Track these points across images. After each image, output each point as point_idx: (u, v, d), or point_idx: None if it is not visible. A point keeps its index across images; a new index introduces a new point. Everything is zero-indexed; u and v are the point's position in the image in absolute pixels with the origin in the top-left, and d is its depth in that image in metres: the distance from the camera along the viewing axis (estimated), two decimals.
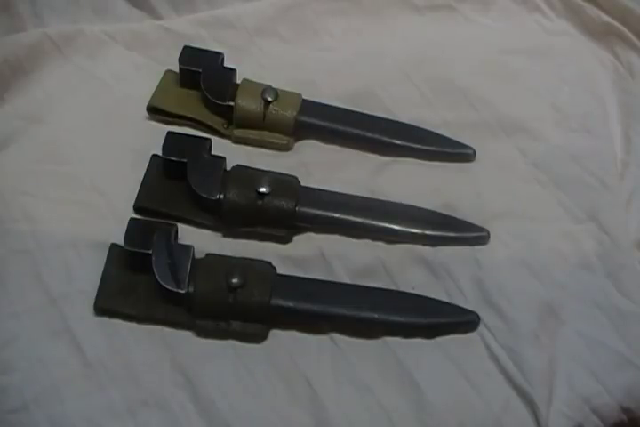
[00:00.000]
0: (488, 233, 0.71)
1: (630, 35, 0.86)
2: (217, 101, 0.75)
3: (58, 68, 0.78)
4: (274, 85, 0.76)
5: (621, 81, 0.84)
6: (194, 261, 0.64)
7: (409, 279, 0.68)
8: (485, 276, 0.68)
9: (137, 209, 0.70)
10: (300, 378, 0.63)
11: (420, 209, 0.72)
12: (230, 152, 0.73)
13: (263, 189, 0.68)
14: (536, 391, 0.62)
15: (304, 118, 0.75)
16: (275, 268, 0.66)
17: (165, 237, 0.65)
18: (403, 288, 0.68)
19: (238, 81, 0.76)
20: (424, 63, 0.83)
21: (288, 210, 0.68)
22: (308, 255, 0.69)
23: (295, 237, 0.71)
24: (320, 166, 0.75)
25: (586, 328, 0.66)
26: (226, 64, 0.77)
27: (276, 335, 0.65)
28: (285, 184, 0.70)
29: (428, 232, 0.71)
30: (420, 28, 0.87)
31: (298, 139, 0.77)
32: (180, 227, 0.68)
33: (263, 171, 0.71)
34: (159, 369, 0.63)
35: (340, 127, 0.76)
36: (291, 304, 0.64)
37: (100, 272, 0.65)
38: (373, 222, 0.70)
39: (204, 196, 0.68)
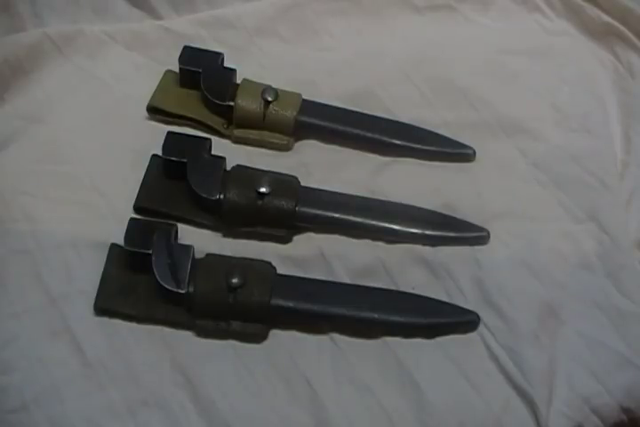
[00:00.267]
0: (488, 233, 0.71)
1: (630, 35, 0.86)
2: (217, 101, 0.75)
3: (58, 68, 0.78)
4: (274, 85, 0.76)
5: (621, 81, 0.84)
6: (194, 261, 0.64)
7: (409, 279, 0.68)
8: (485, 276, 0.68)
9: (137, 209, 0.70)
10: (300, 378, 0.63)
11: (420, 209, 0.72)
12: (230, 152, 0.73)
13: (263, 189, 0.68)
14: (536, 391, 0.62)
15: (304, 118, 0.75)
16: (275, 268, 0.66)
17: (165, 237, 0.65)
18: (403, 288, 0.68)
19: (238, 81, 0.76)
20: (424, 63, 0.83)
21: (288, 210, 0.68)
22: (308, 255, 0.69)
23: (295, 237, 0.71)
24: (320, 166, 0.75)
25: (586, 328, 0.67)
26: (226, 64, 0.77)
27: (276, 335, 0.65)
28: (285, 184, 0.70)
29: (428, 232, 0.71)
30: (420, 28, 0.87)
31: (298, 139, 0.77)
32: (180, 227, 0.68)
33: (263, 171, 0.71)
34: (159, 369, 0.63)
35: (340, 127, 0.76)
36: (291, 304, 0.64)
37: (100, 272, 0.65)
38: (373, 222, 0.70)
39: (204, 196, 0.68)
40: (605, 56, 0.87)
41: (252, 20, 0.84)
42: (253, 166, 0.71)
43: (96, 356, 0.62)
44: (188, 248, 0.65)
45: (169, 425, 0.61)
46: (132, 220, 0.66)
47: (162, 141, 0.70)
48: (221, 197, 0.68)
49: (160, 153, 0.70)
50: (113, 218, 0.69)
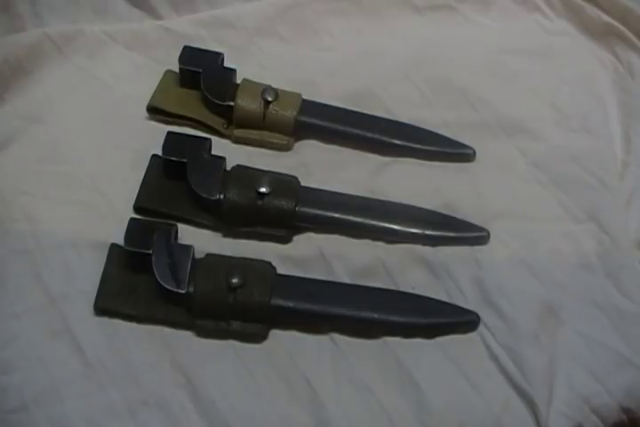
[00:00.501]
0: (488, 233, 0.71)
1: (630, 35, 0.86)
2: (217, 101, 0.75)
3: (58, 68, 0.78)
4: (274, 85, 0.76)
5: (621, 81, 0.84)
6: (194, 261, 0.64)
7: (409, 279, 0.68)
8: (485, 276, 0.68)
9: (137, 209, 0.70)
10: (300, 378, 0.63)
11: (420, 209, 0.72)
12: (230, 152, 0.73)
13: (263, 189, 0.68)
14: (536, 391, 0.62)
15: (304, 118, 0.75)
16: (275, 268, 0.66)
17: (165, 237, 0.65)
18: (403, 288, 0.68)
19: (238, 81, 0.76)
20: (424, 63, 0.83)
21: (288, 210, 0.68)
22: (308, 255, 0.69)
23: (295, 237, 0.71)
24: (320, 166, 0.75)
25: (586, 328, 0.66)
26: (226, 64, 0.77)
27: (276, 335, 0.65)
28: (285, 184, 0.70)
29: (428, 232, 0.71)
30: (419, 28, 0.87)
31: (298, 139, 0.77)
32: (180, 227, 0.68)
33: (263, 171, 0.71)
34: (159, 369, 0.63)
35: (340, 127, 0.76)
36: (291, 304, 0.64)
37: (100, 272, 0.65)
38: (373, 222, 0.70)
39: (204, 196, 0.68)
40: (605, 56, 0.87)
41: (252, 20, 0.84)
42: (253, 166, 0.71)
43: (96, 356, 0.62)
44: (187, 248, 0.65)
45: (169, 425, 0.61)
46: (131, 220, 0.66)
47: (162, 141, 0.70)
48: (221, 197, 0.68)
49: (160, 153, 0.70)
50: (113, 218, 0.69)
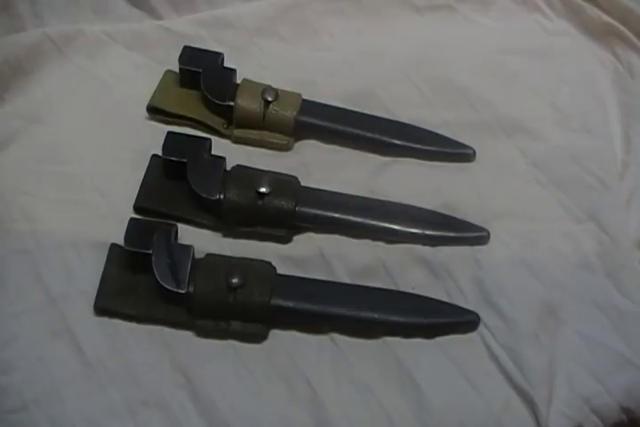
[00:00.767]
0: (488, 233, 0.71)
1: (630, 35, 0.86)
2: (217, 101, 0.75)
3: (58, 68, 0.78)
4: (274, 85, 0.76)
5: (621, 81, 0.84)
6: (194, 261, 0.64)
7: (409, 279, 0.68)
8: (485, 276, 0.68)
9: (137, 209, 0.70)
10: (300, 378, 0.63)
11: (420, 209, 0.72)
12: (230, 152, 0.73)
13: (263, 189, 0.68)
14: (536, 391, 0.62)
15: (304, 118, 0.75)
16: (275, 268, 0.66)
17: (165, 237, 0.65)
18: (403, 288, 0.68)
19: (238, 81, 0.76)
20: (424, 63, 0.83)
21: (288, 210, 0.68)
22: (308, 255, 0.69)
23: (295, 237, 0.71)
24: (320, 166, 0.75)
25: (586, 328, 0.66)
26: (226, 64, 0.77)
27: (276, 335, 0.65)
28: (285, 184, 0.70)
29: (428, 232, 0.71)
30: (420, 28, 0.87)
31: (298, 139, 0.77)
32: (180, 227, 0.68)
33: (263, 171, 0.71)
34: (159, 369, 0.63)
35: (340, 127, 0.76)
36: (291, 304, 0.64)
37: (100, 272, 0.65)
38: (373, 222, 0.70)
39: (204, 196, 0.68)
40: (605, 56, 0.87)
41: (252, 20, 0.84)
42: (253, 166, 0.71)
43: (96, 356, 0.62)
44: (187, 248, 0.65)
45: (169, 425, 0.61)
46: (132, 220, 0.66)
47: (162, 141, 0.70)
48: (221, 197, 0.68)
49: (160, 153, 0.70)
50: (113, 218, 0.69)
